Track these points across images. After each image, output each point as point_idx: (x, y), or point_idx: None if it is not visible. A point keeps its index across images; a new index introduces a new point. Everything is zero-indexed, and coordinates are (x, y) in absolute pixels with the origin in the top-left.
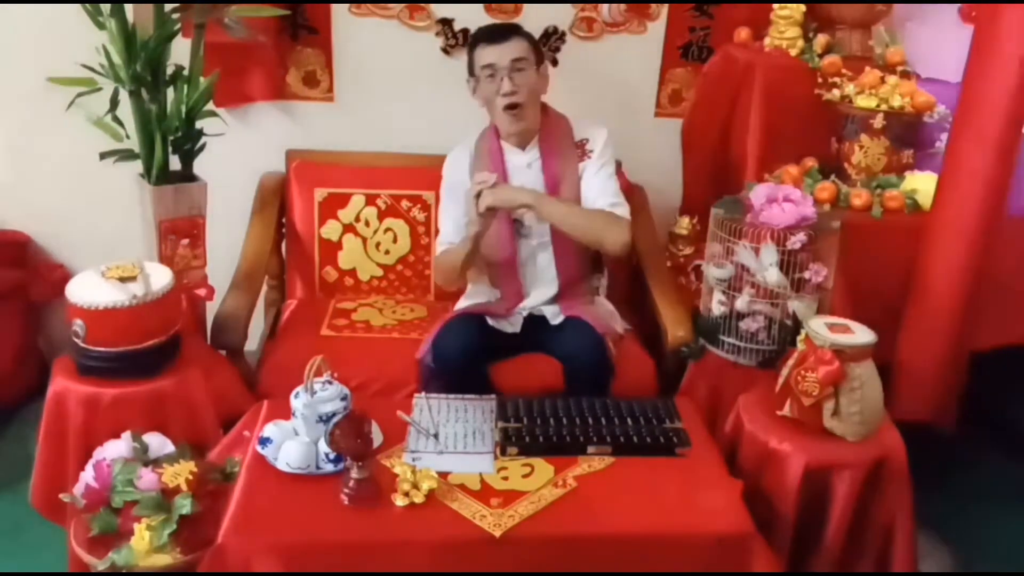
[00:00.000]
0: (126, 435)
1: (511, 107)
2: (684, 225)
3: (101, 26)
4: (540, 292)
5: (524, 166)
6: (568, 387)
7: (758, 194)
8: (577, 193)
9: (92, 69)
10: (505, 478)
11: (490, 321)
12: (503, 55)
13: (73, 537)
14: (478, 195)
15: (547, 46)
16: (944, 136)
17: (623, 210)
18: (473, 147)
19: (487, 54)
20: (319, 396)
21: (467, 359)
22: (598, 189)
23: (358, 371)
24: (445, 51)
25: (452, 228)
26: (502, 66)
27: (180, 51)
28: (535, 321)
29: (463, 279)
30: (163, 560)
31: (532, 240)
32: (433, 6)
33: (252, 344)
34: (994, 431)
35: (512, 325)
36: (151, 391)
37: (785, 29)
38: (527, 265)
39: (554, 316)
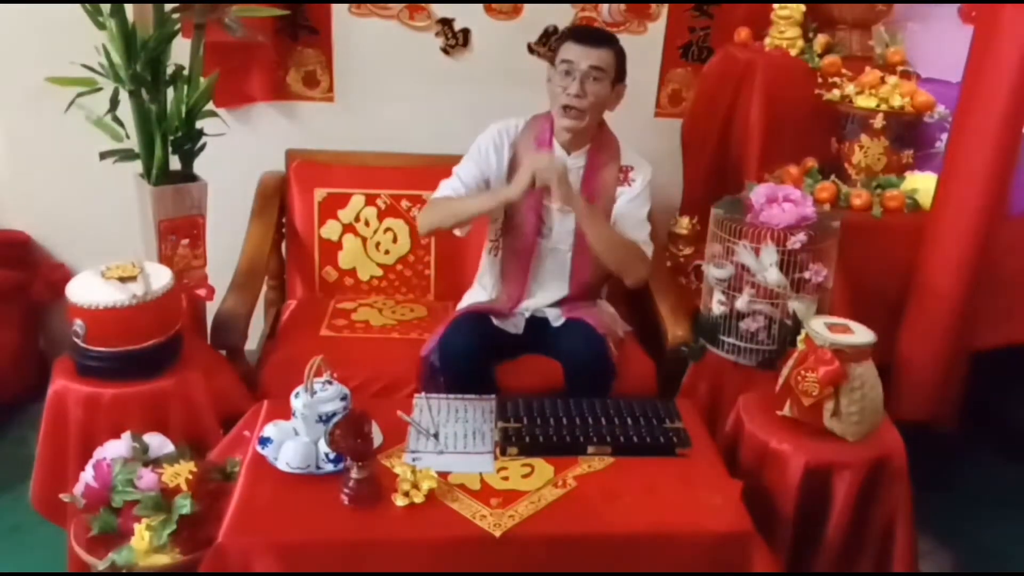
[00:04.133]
0: (126, 435)
1: (569, 107)
2: (684, 225)
3: (101, 26)
4: (547, 294)
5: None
6: (569, 389)
7: (758, 194)
8: (608, 213)
9: (92, 69)
10: (505, 478)
11: (494, 321)
12: (585, 58)
13: (73, 537)
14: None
15: (547, 46)
16: (944, 136)
17: (650, 249)
18: (521, 126)
19: (572, 51)
20: (319, 396)
21: (473, 358)
22: (634, 223)
23: (358, 371)
24: (445, 51)
25: (460, 184)
26: (579, 68)
27: (180, 51)
28: (537, 323)
29: (452, 229)
30: (163, 560)
31: (552, 242)
32: (433, 6)
33: (252, 344)
34: (994, 431)
35: (515, 326)
36: (151, 391)
37: (785, 29)
38: (540, 264)
39: (555, 318)
